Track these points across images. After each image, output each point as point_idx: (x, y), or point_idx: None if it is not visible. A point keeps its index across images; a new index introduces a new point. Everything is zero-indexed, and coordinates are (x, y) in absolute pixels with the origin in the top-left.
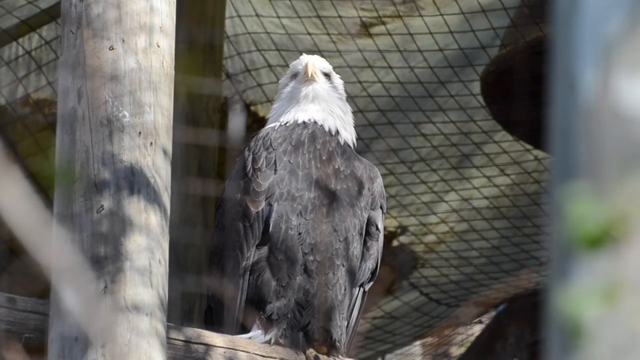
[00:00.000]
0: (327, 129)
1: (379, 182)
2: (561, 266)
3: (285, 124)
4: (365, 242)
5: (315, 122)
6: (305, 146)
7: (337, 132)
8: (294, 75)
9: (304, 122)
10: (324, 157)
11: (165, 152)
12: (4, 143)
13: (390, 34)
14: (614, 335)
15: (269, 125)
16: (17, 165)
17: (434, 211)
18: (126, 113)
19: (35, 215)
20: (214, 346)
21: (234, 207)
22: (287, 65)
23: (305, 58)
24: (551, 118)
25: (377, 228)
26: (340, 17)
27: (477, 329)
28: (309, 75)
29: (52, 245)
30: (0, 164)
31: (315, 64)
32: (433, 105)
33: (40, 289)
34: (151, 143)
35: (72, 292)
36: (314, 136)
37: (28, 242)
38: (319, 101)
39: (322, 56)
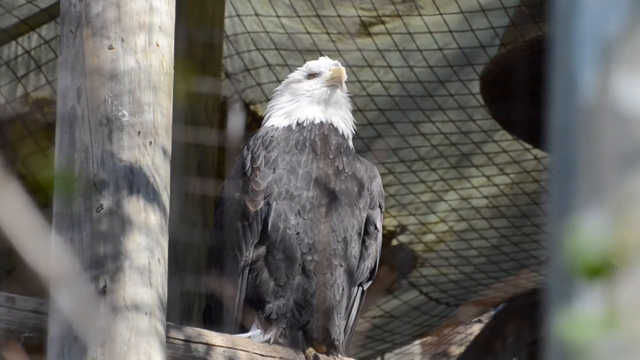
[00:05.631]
0: (340, 132)
1: (378, 181)
2: (562, 292)
3: (297, 121)
4: (364, 242)
5: (330, 124)
6: (317, 146)
7: (348, 136)
8: (311, 75)
9: (321, 122)
10: (331, 157)
11: (164, 152)
12: (3, 143)
13: (389, 34)
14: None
15: (268, 123)
16: (15, 167)
17: (434, 210)
18: (125, 112)
19: (32, 220)
20: (214, 345)
21: (232, 207)
22: (287, 65)
23: (329, 61)
24: (551, 117)
25: (375, 227)
26: (339, 16)
27: (476, 328)
28: (342, 82)
29: (50, 247)
30: None
31: (344, 70)
32: (432, 104)
33: (40, 288)
34: (150, 142)
35: (72, 292)
36: (328, 137)
37: (25, 250)
38: (340, 106)
39: (322, 55)
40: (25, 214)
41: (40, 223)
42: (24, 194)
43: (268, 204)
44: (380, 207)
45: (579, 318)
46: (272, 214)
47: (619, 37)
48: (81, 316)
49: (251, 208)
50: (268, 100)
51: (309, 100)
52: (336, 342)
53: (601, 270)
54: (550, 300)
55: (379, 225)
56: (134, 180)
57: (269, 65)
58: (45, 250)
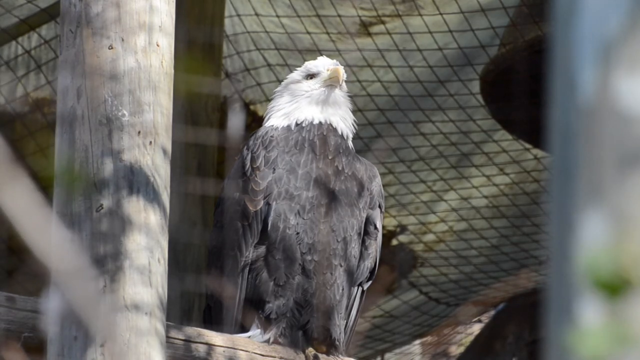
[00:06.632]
0: (340, 132)
1: (378, 181)
2: (563, 300)
3: (296, 122)
4: (363, 242)
5: (329, 124)
6: (317, 146)
7: (348, 136)
8: (310, 76)
9: (319, 123)
10: (330, 157)
11: (164, 151)
12: (6, 142)
13: (389, 33)
14: None
15: (268, 123)
16: (20, 163)
17: (433, 210)
18: (125, 112)
19: (37, 213)
20: (214, 345)
21: (232, 206)
22: (287, 65)
23: (327, 61)
24: (550, 117)
25: (375, 227)
26: (339, 16)
27: (476, 328)
28: (340, 82)
29: (52, 243)
30: (4, 163)
31: (342, 70)
32: (432, 104)
33: (40, 287)
34: (150, 142)
35: (72, 291)
36: (326, 137)
37: (29, 240)
38: (339, 106)
39: (322, 55)
40: (32, 207)
41: (47, 218)
42: (32, 187)
43: (268, 204)
44: (380, 207)
45: (589, 332)
46: (272, 213)
47: (619, 37)
48: (81, 316)
49: (251, 208)
50: (268, 100)
51: (307, 100)
52: (336, 342)
53: (618, 287)
54: (550, 310)
55: (379, 225)
56: (134, 180)
57: (269, 65)
58: (50, 245)
